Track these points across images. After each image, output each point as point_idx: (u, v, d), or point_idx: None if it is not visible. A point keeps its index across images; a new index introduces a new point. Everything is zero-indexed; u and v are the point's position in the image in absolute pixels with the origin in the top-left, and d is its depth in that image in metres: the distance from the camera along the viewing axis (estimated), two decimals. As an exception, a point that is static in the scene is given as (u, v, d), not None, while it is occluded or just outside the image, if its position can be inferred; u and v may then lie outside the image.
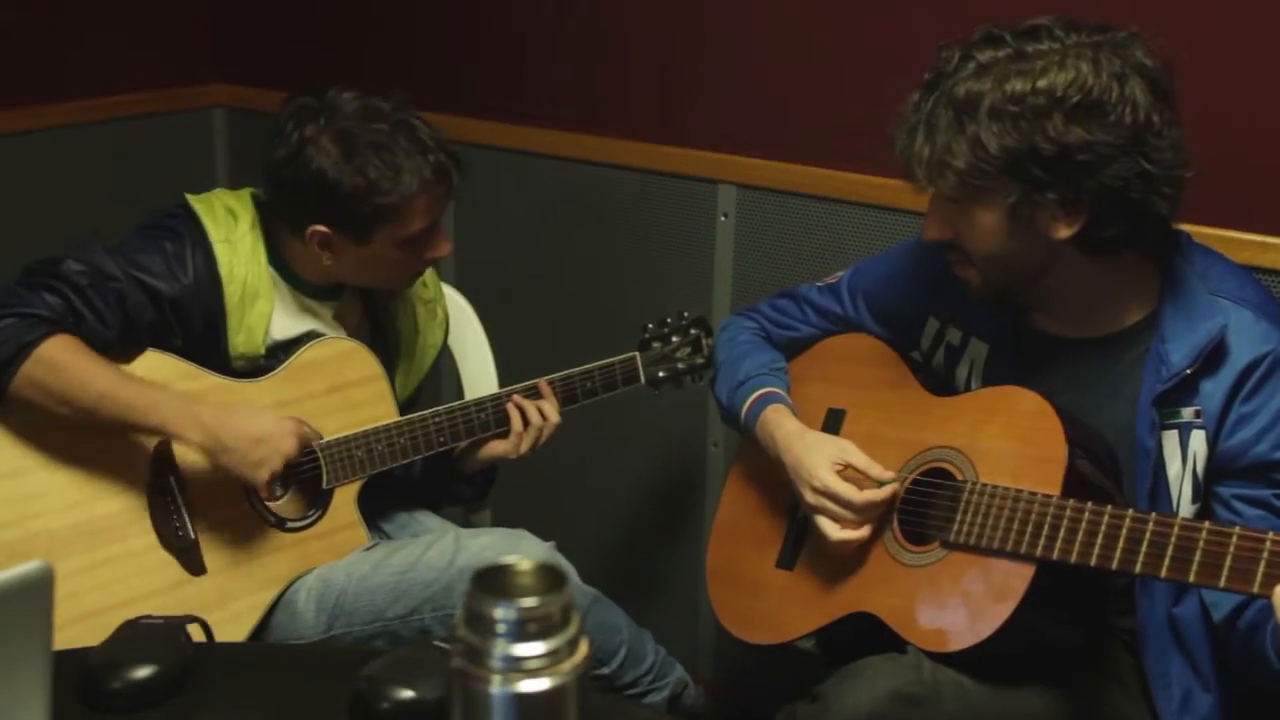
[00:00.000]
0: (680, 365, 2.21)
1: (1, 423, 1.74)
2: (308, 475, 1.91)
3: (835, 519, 1.68)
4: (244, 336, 1.86)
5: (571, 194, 2.65)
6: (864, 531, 1.68)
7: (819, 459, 1.71)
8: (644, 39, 2.49)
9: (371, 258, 1.88)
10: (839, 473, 1.70)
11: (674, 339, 2.21)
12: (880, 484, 1.68)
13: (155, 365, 1.82)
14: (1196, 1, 1.88)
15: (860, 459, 1.71)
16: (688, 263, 2.51)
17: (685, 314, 2.23)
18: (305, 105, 1.85)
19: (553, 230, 2.71)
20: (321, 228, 1.84)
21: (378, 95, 1.87)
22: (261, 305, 1.87)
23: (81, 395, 1.71)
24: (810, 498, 1.71)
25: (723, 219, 2.45)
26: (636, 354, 2.17)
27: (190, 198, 1.90)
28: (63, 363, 1.70)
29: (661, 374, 2.19)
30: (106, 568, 1.78)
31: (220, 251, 1.83)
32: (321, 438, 1.90)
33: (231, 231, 1.86)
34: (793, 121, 2.33)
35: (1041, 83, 1.45)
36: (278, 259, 1.91)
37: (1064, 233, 1.51)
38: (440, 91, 2.78)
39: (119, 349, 1.79)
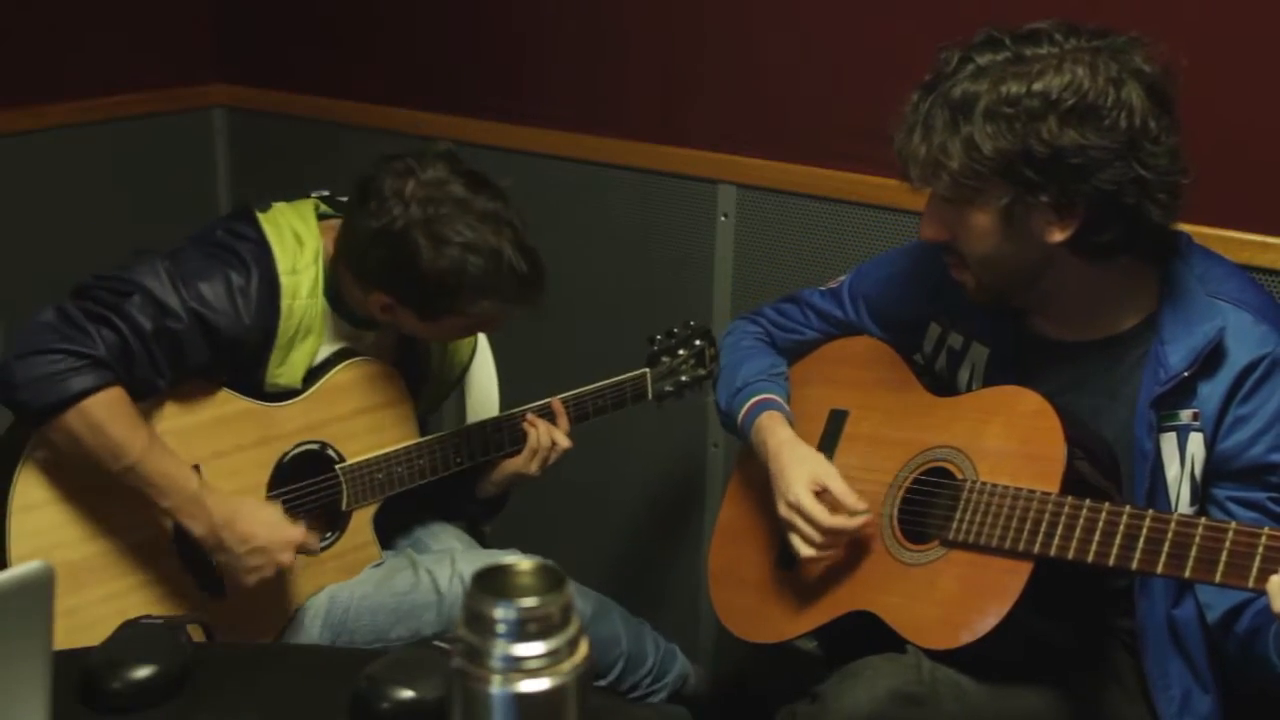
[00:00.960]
0: (684, 379, 2.21)
1: (25, 456, 1.73)
2: (327, 499, 1.92)
3: (803, 537, 1.69)
4: (286, 370, 1.84)
5: (571, 194, 2.65)
6: (830, 553, 1.69)
7: (798, 475, 1.71)
8: (644, 39, 2.49)
9: (429, 328, 1.87)
10: (817, 494, 1.70)
11: (680, 352, 2.21)
12: (853, 514, 1.68)
13: (190, 391, 1.81)
14: (1196, 2, 1.88)
15: (838, 486, 1.69)
16: (688, 263, 2.51)
17: (691, 324, 2.23)
18: (407, 170, 1.78)
19: (553, 230, 2.69)
20: (389, 299, 1.82)
21: (482, 186, 1.82)
22: (310, 343, 1.85)
23: (109, 462, 1.69)
24: (783, 510, 1.72)
25: (723, 219, 2.45)
26: (646, 371, 2.18)
27: (261, 218, 1.84)
28: (102, 424, 1.67)
29: (668, 389, 2.20)
30: (128, 596, 1.77)
31: (286, 285, 1.79)
32: (318, 551, 1.90)
33: (298, 259, 1.82)
34: (793, 121, 2.33)
35: (1037, 85, 1.44)
36: (332, 289, 1.87)
37: (1058, 236, 1.51)
38: (440, 91, 2.78)
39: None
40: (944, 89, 1.50)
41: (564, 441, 2.04)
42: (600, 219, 2.62)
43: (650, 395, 2.19)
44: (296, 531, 1.80)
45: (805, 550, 1.69)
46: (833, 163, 2.28)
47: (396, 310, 1.84)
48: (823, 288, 1.95)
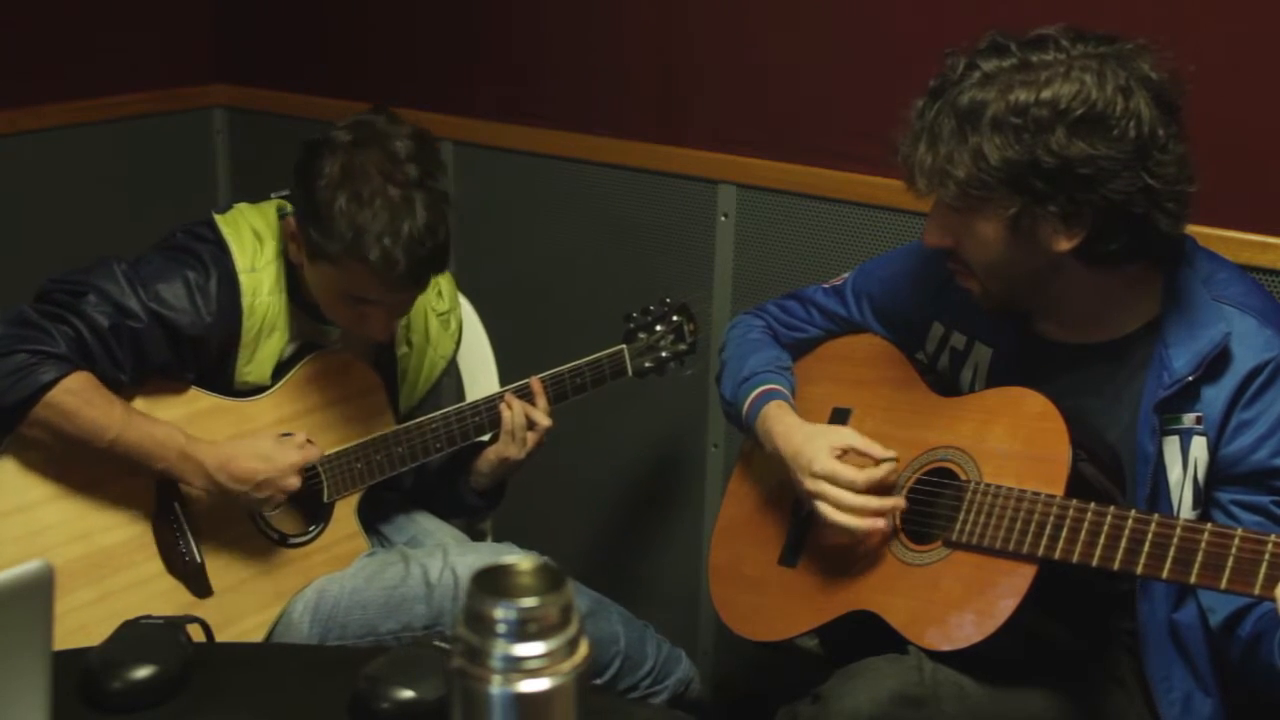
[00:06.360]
0: (664, 354, 2.21)
1: (7, 458, 1.74)
2: (308, 491, 1.91)
3: (835, 503, 1.67)
4: (254, 368, 1.86)
5: (571, 194, 2.65)
6: (863, 522, 1.64)
7: (818, 445, 1.70)
8: (643, 39, 2.49)
9: (313, 277, 1.84)
10: (839, 458, 1.69)
11: (658, 328, 2.21)
12: (882, 462, 1.66)
13: (158, 391, 1.82)
14: (1197, 2, 1.88)
15: (859, 441, 1.69)
16: (688, 263, 2.50)
17: (668, 300, 2.23)
18: (360, 122, 1.80)
19: (552, 230, 2.70)
20: (294, 221, 1.83)
21: (432, 174, 1.78)
22: (275, 340, 1.86)
23: (91, 440, 1.72)
24: (809, 484, 1.69)
25: (723, 219, 2.44)
26: (624, 347, 2.17)
27: (218, 219, 1.87)
28: (74, 408, 1.70)
29: (647, 364, 2.20)
30: (115, 598, 1.78)
31: (245, 282, 1.82)
32: (323, 453, 1.90)
33: (257, 258, 1.84)
34: (793, 121, 2.33)
35: (1045, 94, 1.43)
36: (294, 284, 1.88)
37: (1065, 245, 1.50)
38: (440, 91, 2.78)
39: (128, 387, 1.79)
40: (950, 96, 1.49)
41: (543, 420, 2.02)
42: (600, 219, 2.62)
43: (630, 372, 2.18)
44: (294, 454, 1.83)
45: (840, 516, 1.65)
46: (833, 163, 2.28)
47: (298, 240, 1.82)
48: (825, 285, 1.95)
